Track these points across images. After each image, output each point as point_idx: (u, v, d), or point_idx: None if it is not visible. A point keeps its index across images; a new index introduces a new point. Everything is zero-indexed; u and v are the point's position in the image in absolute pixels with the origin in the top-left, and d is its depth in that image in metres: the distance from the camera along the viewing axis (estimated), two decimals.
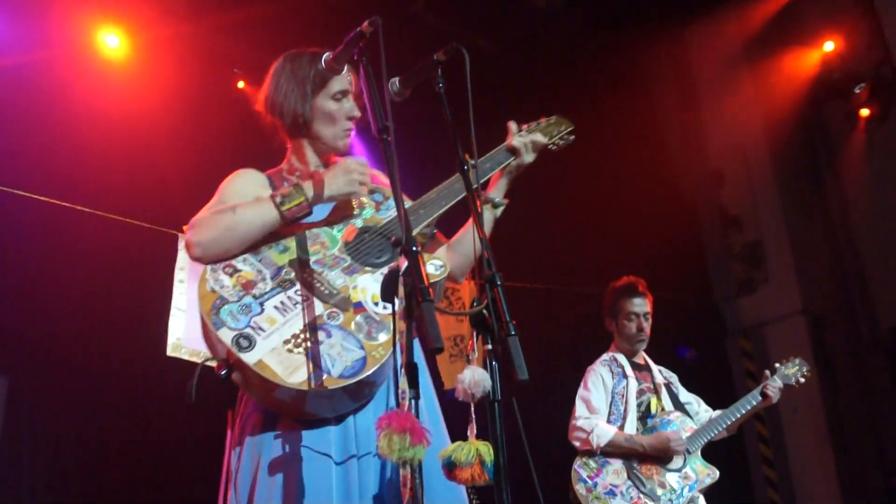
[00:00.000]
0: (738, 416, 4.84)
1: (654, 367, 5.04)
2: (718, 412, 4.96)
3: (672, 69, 9.63)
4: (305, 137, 2.73)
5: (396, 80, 2.58)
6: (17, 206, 5.39)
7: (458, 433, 2.07)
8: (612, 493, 4.53)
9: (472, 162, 2.26)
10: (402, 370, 1.93)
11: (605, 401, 4.79)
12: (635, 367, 4.95)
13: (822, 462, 8.16)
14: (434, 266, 2.49)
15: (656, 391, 4.89)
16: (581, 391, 4.88)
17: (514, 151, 2.83)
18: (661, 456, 4.60)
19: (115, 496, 5.74)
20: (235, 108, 6.87)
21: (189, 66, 6.46)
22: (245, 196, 2.55)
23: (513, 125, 2.89)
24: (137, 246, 5.78)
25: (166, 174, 5.95)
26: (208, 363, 2.33)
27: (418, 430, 1.84)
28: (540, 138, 2.87)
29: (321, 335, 2.28)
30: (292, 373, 2.20)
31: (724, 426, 4.83)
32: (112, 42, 6.18)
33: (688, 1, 8.50)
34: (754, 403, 4.86)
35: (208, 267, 2.39)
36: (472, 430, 1.98)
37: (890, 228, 8.22)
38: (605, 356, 5.02)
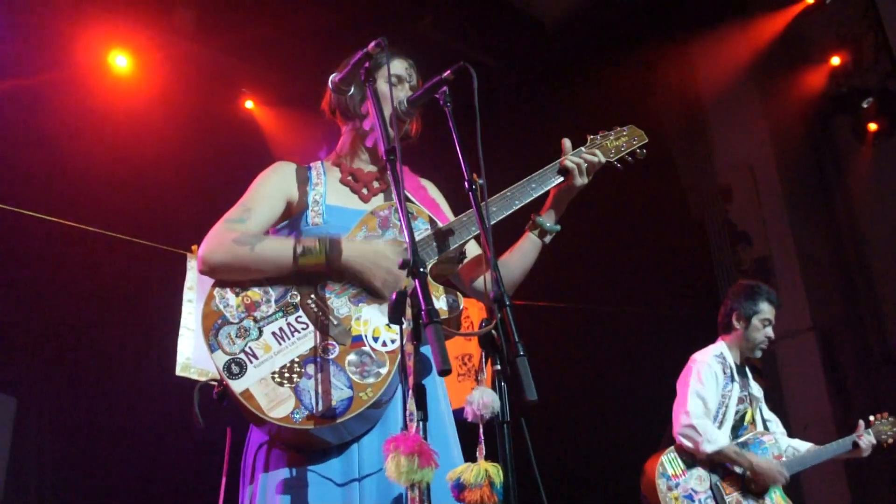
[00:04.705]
0: (824, 460, 4.82)
1: (751, 377, 4.91)
2: (808, 446, 4.89)
3: (678, 85, 9.62)
4: (354, 126, 2.71)
5: (404, 99, 2.58)
6: (25, 226, 5.40)
7: (467, 453, 2.06)
8: (690, 498, 4.46)
9: (480, 181, 2.22)
10: (410, 392, 1.91)
11: (716, 400, 4.62)
12: (740, 372, 4.80)
13: (833, 479, 8.08)
14: (447, 302, 2.36)
15: (751, 402, 4.78)
16: (695, 384, 4.63)
17: (565, 172, 2.65)
18: (757, 480, 4.52)
19: None
20: (243, 126, 6.93)
21: (197, 85, 6.49)
22: (273, 202, 2.54)
23: (567, 143, 2.70)
24: (146, 265, 5.79)
25: (175, 193, 5.96)
26: (212, 382, 2.30)
27: (426, 452, 1.83)
28: (599, 157, 2.68)
29: (312, 369, 2.22)
30: (275, 406, 2.16)
31: (808, 466, 4.79)
32: (121, 62, 6.20)
33: (693, 17, 8.50)
34: (841, 452, 4.84)
35: (217, 284, 2.36)
36: (481, 451, 1.97)
37: None
38: (714, 349, 4.81)
